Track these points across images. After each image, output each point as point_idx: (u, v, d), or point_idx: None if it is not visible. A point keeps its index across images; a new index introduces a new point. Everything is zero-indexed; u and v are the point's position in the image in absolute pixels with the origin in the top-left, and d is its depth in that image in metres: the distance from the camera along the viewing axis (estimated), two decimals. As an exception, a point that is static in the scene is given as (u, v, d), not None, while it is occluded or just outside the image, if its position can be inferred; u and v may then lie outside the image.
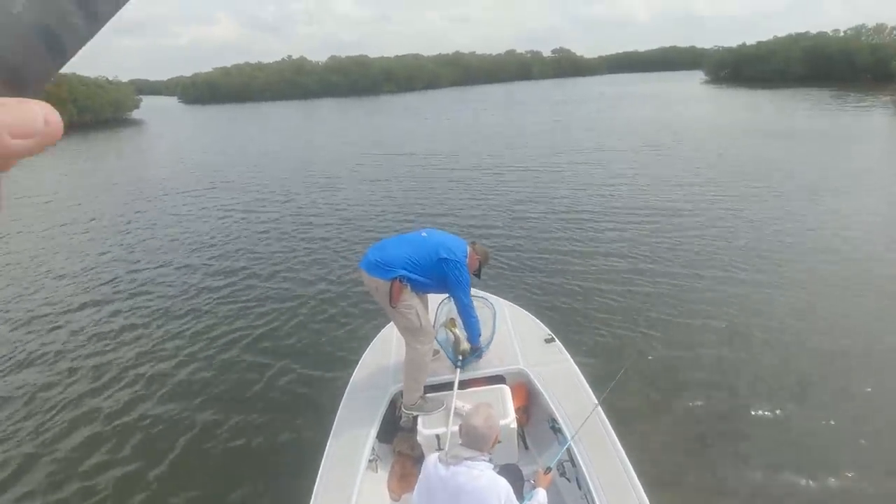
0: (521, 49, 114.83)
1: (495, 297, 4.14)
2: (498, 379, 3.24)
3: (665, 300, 5.77)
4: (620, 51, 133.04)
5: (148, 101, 58.35)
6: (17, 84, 0.28)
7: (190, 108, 66.19)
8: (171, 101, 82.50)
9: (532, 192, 10.96)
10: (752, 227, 7.98)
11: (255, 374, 4.96)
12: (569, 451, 2.61)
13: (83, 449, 4.08)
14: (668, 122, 21.43)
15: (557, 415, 2.83)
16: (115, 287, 7.34)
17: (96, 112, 44.18)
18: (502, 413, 2.78)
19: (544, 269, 6.96)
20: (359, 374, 3.40)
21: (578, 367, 3.22)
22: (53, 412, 4.56)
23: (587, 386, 3.03)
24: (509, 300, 4.23)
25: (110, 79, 49.94)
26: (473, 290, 3.34)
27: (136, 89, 57.00)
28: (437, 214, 9.95)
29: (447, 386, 3.14)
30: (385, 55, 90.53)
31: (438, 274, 3.00)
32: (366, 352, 3.66)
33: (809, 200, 9.18)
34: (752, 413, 3.95)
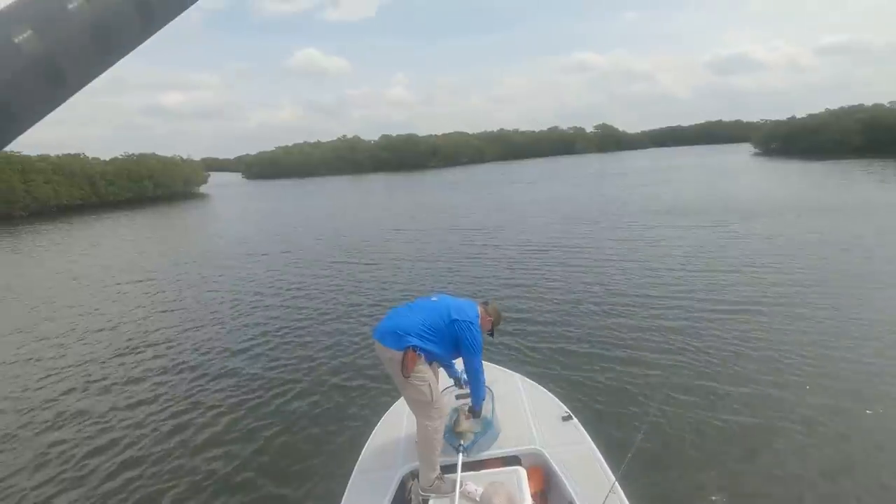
0: (563, 125, 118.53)
1: (510, 371, 4.03)
2: (513, 460, 3.05)
3: (687, 375, 5.53)
4: (664, 126, 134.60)
5: (215, 177, 63.64)
6: (55, 77, 0.27)
7: (252, 183, 71.41)
8: (236, 177, 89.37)
9: (563, 269, 10.67)
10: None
11: (261, 446, 4.82)
12: None
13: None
14: (731, 197, 20.68)
15: (576, 500, 2.65)
16: (145, 337, 7.56)
17: (169, 187, 48.50)
18: (519, 498, 2.59)
19: (562, 342, 6.73)
20: (368, 451, 3.25)
21: (597, 444, 3.05)
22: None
23: (606, 466, 2.85)
24: (525, 374, 4.07)
25: (184, 157, 55.07)
26: (490, 364, 3.25)
27: (205, 166, 62.48)
28: (459, 282, 10.11)
29: (455, 468, 2.94)
30: (433, 133, 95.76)
31: (451, 337, 2.91)
32: (375, 428, 3.52)
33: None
34: (785, 478, 3.75)
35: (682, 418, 4.64)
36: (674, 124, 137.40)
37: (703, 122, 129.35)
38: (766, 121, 71.10)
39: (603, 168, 47.41)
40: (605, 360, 6.05)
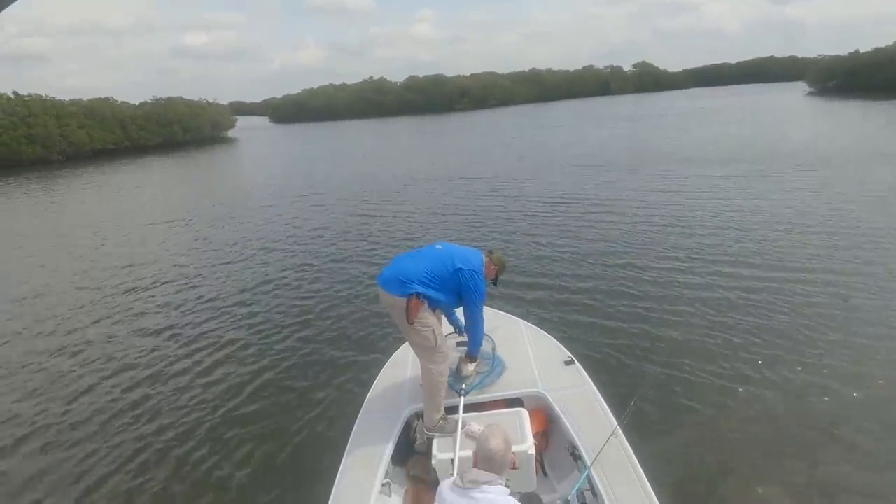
0: (600, 65, 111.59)
1: (514, 317, 4.05)
2: (515, 402, 3.12)
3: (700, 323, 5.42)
4: (709, 63, 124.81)
5: (242, 121, 63.64)
6: None
7: (279, 127, 71.28)
8: (263, 121, 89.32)
9: (582, 219, 10.16)
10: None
11: (270, 391, 4.94)
12: (589, 479, 2.47)
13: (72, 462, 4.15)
14: (778, 142, 18.94)
15: (577, 441, 2.71)
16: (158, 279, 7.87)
17: (197, 131, 48.81)
18: (520, 438, 2.67)
19: (567, 289, 6.65)
20: (373, 394, 3.35)
21: (599, 390, 3.09)
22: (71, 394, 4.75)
23: (608, 410, 2.90)
24: (529, 321, 4.07)
25: (210, 101, 54.92)
26: (494, 310, 3.31)
27: (232, 110, 62.34)
28: (470, 230, 9.97)
29: (457, 409, 3.02)
30: (461, 74, 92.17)
31: (454, 286, 2.92)
32: (381, 371, 3.59)
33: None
34: (783, 435, 3.76)
35: (689, 374, 4.54)
36: (720, 62, 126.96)
37: (752, 58, 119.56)
38: (825, 56, 64.96)
39: (638, 110, 44.73)
40: (615, 311, 5.89)
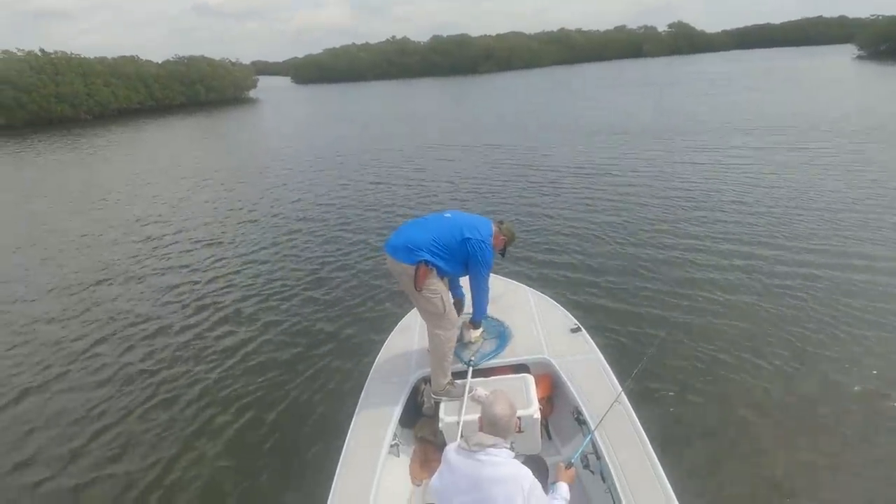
0: (632, 25, 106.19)
1: (521, 284, 4.10)
2: (522, 368, 3.19)
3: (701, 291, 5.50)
4: (750, 24, 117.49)
5: (264, 81, 63.15)
6: None
7: (300, 88, 70.64)
8: (285, 81, 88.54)
9: (600, 189, 9.86)
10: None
11: (281, 355, 5.01)
12: (593, 443, 2.55)
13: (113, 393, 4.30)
14: (821, 110, 17.82)
15: (582, 406, 2.78)
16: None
17: (220, 91, 48.66)
18: (526, 402, 2.74)
19: (577, 258, 6.66)
20: (382, 359, 3.41)
21: (605, 357, 3.14)
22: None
23: (613, 377, 2.95)
24: (536, 288, 4.10)
25: (233, 61, 54.43)
26: (502, 277, 3.36)
27: (255, 70, 61.76)
28: (483, 198, 9.83)
29: (465, 375, 3.10)
30: (487, 34, 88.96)
31: (462, 255, 2.92)
32: (389, 337, 3.65)
33: None
34: (782, 401, 3.83)
35: (696, 346, 4.57)
36: (762, 22, 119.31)
37: (798, 18, 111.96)
38: (878, 17, 60.32)
39: (673, 74, 42.57)
40: (625, 282, 5.85)
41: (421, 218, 3.12)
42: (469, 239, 2.89)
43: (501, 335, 3.41)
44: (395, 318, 4.03)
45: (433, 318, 2.96)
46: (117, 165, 17.69)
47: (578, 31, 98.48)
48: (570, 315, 3.61)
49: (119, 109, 39.51)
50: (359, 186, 11.65)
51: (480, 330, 3.39)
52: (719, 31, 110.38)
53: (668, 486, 2.25)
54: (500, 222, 3.16)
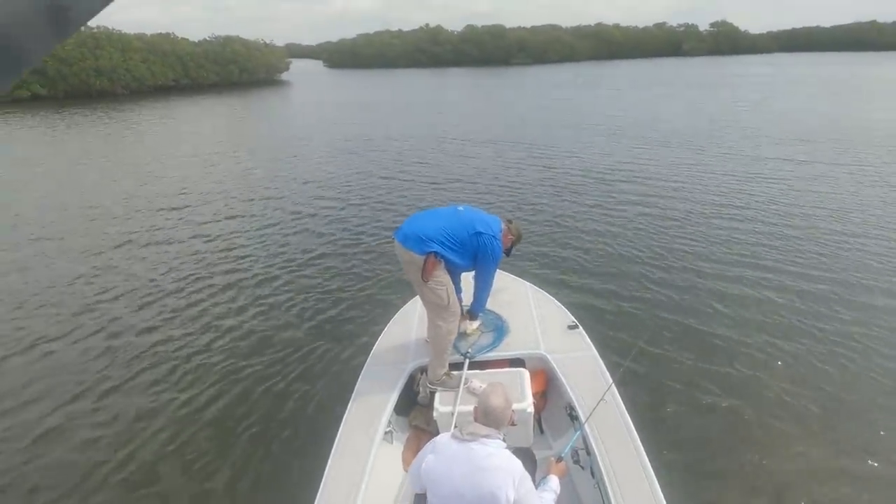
0: (673, 22, 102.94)
1: (521, 279, 4.12)
2: (518, 362, 3.22)
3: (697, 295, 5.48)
4: (798, 26, 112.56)
5: (296, 65, 63.63)
6: (12, 58, 0.26)
7: (332, 73, 70.90)
8: (317, 65, 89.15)
9: (608, 186, 9.70)
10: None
11: (280, 335, 5.05)
12: (583, 438, 2.59)
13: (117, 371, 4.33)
14: (869, 124, 17.03)
15: (575, 402, 2.81)
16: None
17: (252, 73, 49.23)
18: (520, 396, 2.77)
19: (577, 255, 6.69)
20: (380, 346, 3.43)
21: (601, 355, 3.17)
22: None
23: (608, 374, 2.97)
24: (536, 284, 4.12)
25: (267, 42, 54.94)
26: (502, 272, 3.43)
27: (288, 52, 62.24)
28: (493, 194, 9.72)
29: (461, 366, 3.14)
30: (521, 25, 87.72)
31: (472, 249, 2.95)
32: (388, 325, 3.67)
33: None
34: (770, 395, 3.92)
35: (684, 340, 4.67)
36: (811, 24, 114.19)
37: (850, 22, 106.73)
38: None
39: (712, 75, 41.12)
40: (626, 282, 5.87)
41: (433, 209, 3.12)
42: (480, 233, 2.91)
43: (499, 329, 3.44)
44: (396, 306, 4.04)
45: (436, 309, 2.98)
46: (149, 140, 18.10)
47: (616, 26, 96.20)
48: (568, 312, 3.63)
49: (154, 86, 40.34)
50: (376, 172, 11.71)
51: (477, 322, 3.43)
52: (764, 32, 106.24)
53: (656, 481, 2.27)
54: (510, 221, 3.19)
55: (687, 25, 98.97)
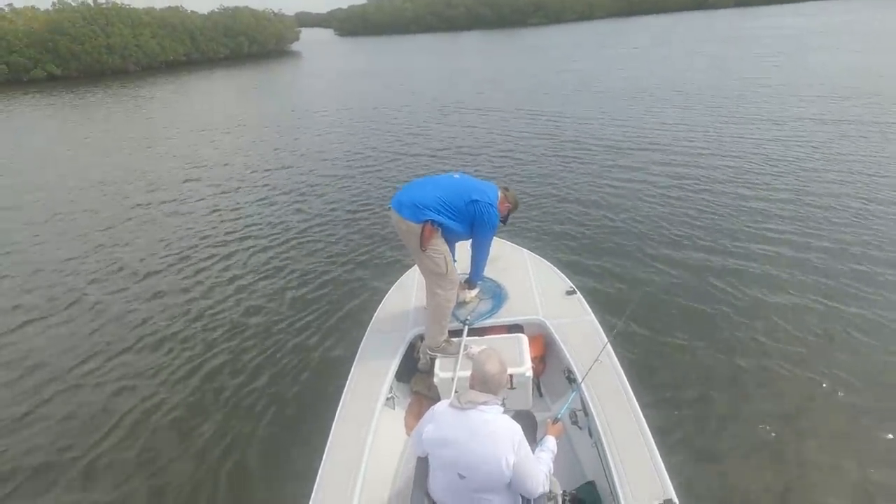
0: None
1: (519, 247, 4.12)
2: (516, 328, 3.25)
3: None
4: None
5: (307, 34, 62.67)
6: None
7: (343, 41, 69.60)
8: (328, 34, 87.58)
9: (618, 154, 9.28)
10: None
11: (281, 305, 5.13)
12: (581, 399, 2.63)
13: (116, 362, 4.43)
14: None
15: (573, 365, 2.84)
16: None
17: (262, 44, 48.64)
18: (518, 361, 2.81)
19: (574, 219, 6.65)
20: (380, 314, 3.47)
21: (598, 319, 3.20)
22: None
23: (604, 336, 3.00)
24: (533, 250, 4.14)
25: (276, 12, 53.98)
26: (500, 239, 3.47)
27: (298, 22, 61.20)
28: (493, 162, 9.54)
29: (461, 333, 3.17)
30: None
31: (468, 217, 2.93)
32: (388, 294, 3.71)
33: None
34: (766, 352, 3.93)
35: (683, 304, 4.66)
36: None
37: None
38: None
39: (738, 28, 38.75)
40: (623, 245, 5.85)
41: (429, 177, 3.10)
42: (477, 201, 2.89)
43: (497, 296, 3.46)
44: (395, 275, 4.08)
45: (435, 277, 2.98)
46: (162, 116, 18.28)
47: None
48: (565, 278, 3.65)
49: (165, 62, 40.28)
50: (379, 143, 11.67)
51: (476, 290, 3.44)
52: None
53: (651, 439, 2.32)
54: (506, 188, 3.17)
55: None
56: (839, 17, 41.30)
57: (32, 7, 38.63)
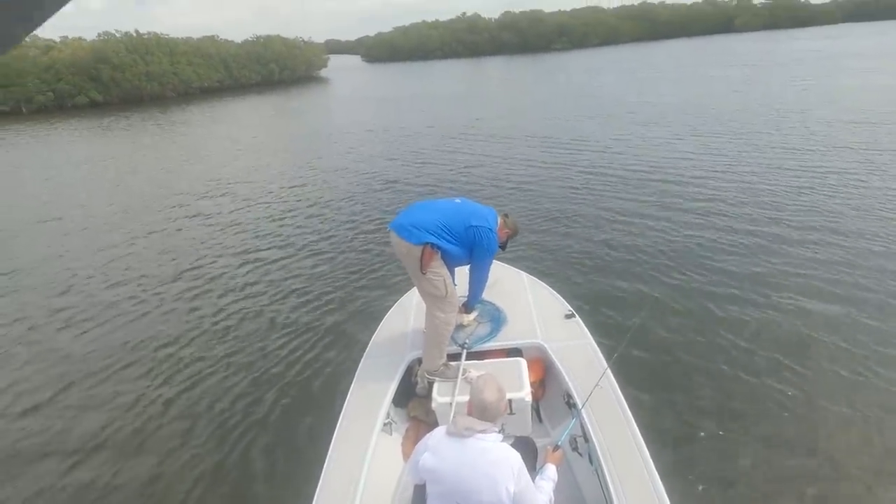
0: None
1: (517, 269, 4.10)
2: (515, 352, 3.21)
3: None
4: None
5: (335, 60, 64.64)
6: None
7: (369, 67, 71.56)
8: (355, 60, 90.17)
9: (629, 182, 9.08)
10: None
11: (275, 329, 5.12)
12: (581, 425, 2.60)
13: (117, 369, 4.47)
14: None
15: (572, 390, 2.81)
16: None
17: (292, 70, 50.41)
18: (518, 386, 2.79)
19: (574, 243, 6.62)
20: (378, 338, 3.44)
21: (598, 343, 3.15)
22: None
23: (604, 361, 2.96)
24: (531, 272, 4.12)
25: (306, 40, 56.02)
26: (498, 262, 3.44)
27: (327, 49, 63.33)
28: (499, 187, 9.48)
29: (459, 357, 3.14)
30: (562, 9, 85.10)
31: (467, 241, 2.93)
32: (386, 316, 3.68)
33: None
34: (767, 375, 3.90)
35: (679, 323, 4.66)
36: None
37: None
38: None
39: (768, 52, 38.36)
40: (622, 268, 5.81)
41: (430, 200, 3.10)
42: (476, 226, 2.89)
43: (496, 319, 3.43)
44: (394, 297, 4.05)
45: (434, 300, 2.96)
46: (194, 138, 19.05)
47: (662, 3, 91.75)
48: (564, 301, 3.62)
49: (200, 88, 42.07)
50: (397, 163, 11.96)
51: (474, 314, 3.44)
52: (827, 0, 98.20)
53: (654, 468, 2.27)
54: (506, 215, 3.18)
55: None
56: (870, 41, 40.48)
57: (80, 38, 41.00)
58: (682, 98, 18.29)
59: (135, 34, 41.64)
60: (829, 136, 10.86)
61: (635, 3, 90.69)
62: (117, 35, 41.09)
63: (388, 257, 6.41)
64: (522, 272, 4.08)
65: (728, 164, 9.51)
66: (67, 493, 3.45)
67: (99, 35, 41.10)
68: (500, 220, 3.08)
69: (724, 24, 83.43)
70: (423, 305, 3.16)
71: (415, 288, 3.39)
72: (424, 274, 2.86)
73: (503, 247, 3.17)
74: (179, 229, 8.59)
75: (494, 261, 3.21)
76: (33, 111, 33.66)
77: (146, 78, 38.35)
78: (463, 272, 3.35)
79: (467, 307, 3.39)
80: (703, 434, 3.43)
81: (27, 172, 14.90)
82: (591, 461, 2.52)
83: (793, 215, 6.87)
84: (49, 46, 38.33)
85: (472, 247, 2.96)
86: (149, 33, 42.50)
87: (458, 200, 3.06)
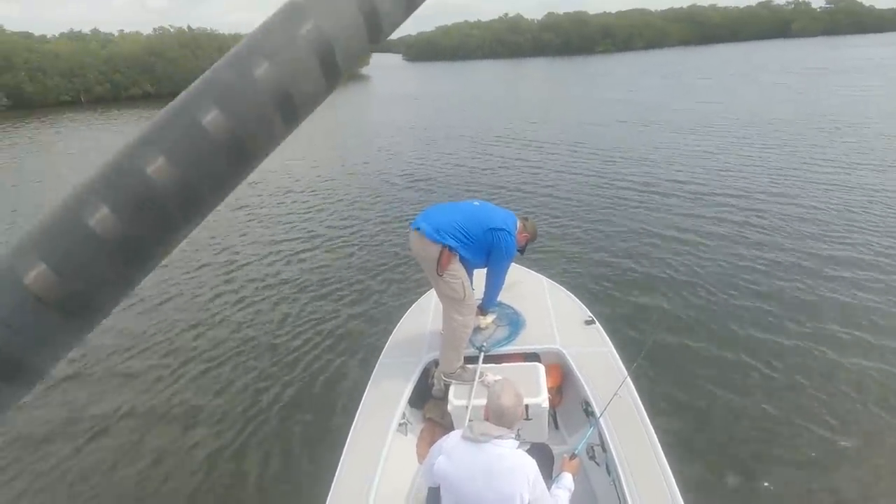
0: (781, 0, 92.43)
1: (537, 273, 4.06)
2: (533, 357, 3.19)
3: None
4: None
5: (376, 59, 65.34)
6: (287, 106, 0.27)
7: (410, 66, 72.18)
8: (397, 59, 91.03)
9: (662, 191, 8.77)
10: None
11: (293, 330, 5.14)
12: (599, 434, 2.56)
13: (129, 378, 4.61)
14: None
15: (591, 397, 2.76)
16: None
17: (335, 67, 51.42)
18: (535, 391, 2.76)
19: (596, 248, 6.57)
20: (395, 338, 3.45)
21: (618, 351, 3.11)
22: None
23: (623, 369, 2.91)
24: (552, 277, 4.09)
25: (349, 38, 56.95)
26: (518, 265, 3.47)
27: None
28: (526, 193, 9.30)
29: (477, 360, 3.12)
30: (606, 11, 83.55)
31: (485, 244, 2.93)
32: (403, 318, 3.68)
33: None
34: (791, 392, 3.85)
35: (700, 334, 4.60)
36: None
37: None
38: None
39: (828, 59, 36.26)
40: (645, 277, 5.72)
41: (449, 203, 3.12)
42: (494, 230, 2.90)
43: (514, 323, 3.39)
44: (411, 299, 4.05)
45: (452, 302, 2.95)
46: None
47: (713, 6, 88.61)
48: (584, 307, 3.57)
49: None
50: (429, 163, 12.03)
51: (492, 317, 3.41)
52: (892, 6, 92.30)
53: (672, 477, 2.22)
54: (525, 219, 3.17)
55: (797, 2, 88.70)
56: (941, 48, 37.70)
57: (137, 31, 43.10)
58: (730, 106, 17.53)
59: (187, 30, 43.44)
60: (889, 152, 10.20)
61: (684, 6, 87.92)
62: (171, 31, 42.96)
63: (407, 257, 6.41)
64: (542, 276, 4.03)
65: (773, 177, 9.05)
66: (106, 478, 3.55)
67: (154, 30, 43.06)
68: (519, 223, 3.07)
69: (779, 28, 79.72)
70: (441, 307, 3.15)
71: (432, 290, 3.39)
72: (442, 276, 2.86)
73: (522, 251, 3.16)
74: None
75: (514, 264, 3.19)
76: (91, 101, 35.56)
77: (198, 72, 39.88)
78: (481, 274, 3.32)
79: (482, 311, 3.38)
80: (726, 450, 3.32)
81: (94, 155, 15.70)
82: (608, 471, 2.47)
83: (840, 237, 6.46)
84: (108, 40, 40.43)
85: (489, 250, 2.95)
86: (199, 28, 44.28)
87: (477, 203, 3.07)
